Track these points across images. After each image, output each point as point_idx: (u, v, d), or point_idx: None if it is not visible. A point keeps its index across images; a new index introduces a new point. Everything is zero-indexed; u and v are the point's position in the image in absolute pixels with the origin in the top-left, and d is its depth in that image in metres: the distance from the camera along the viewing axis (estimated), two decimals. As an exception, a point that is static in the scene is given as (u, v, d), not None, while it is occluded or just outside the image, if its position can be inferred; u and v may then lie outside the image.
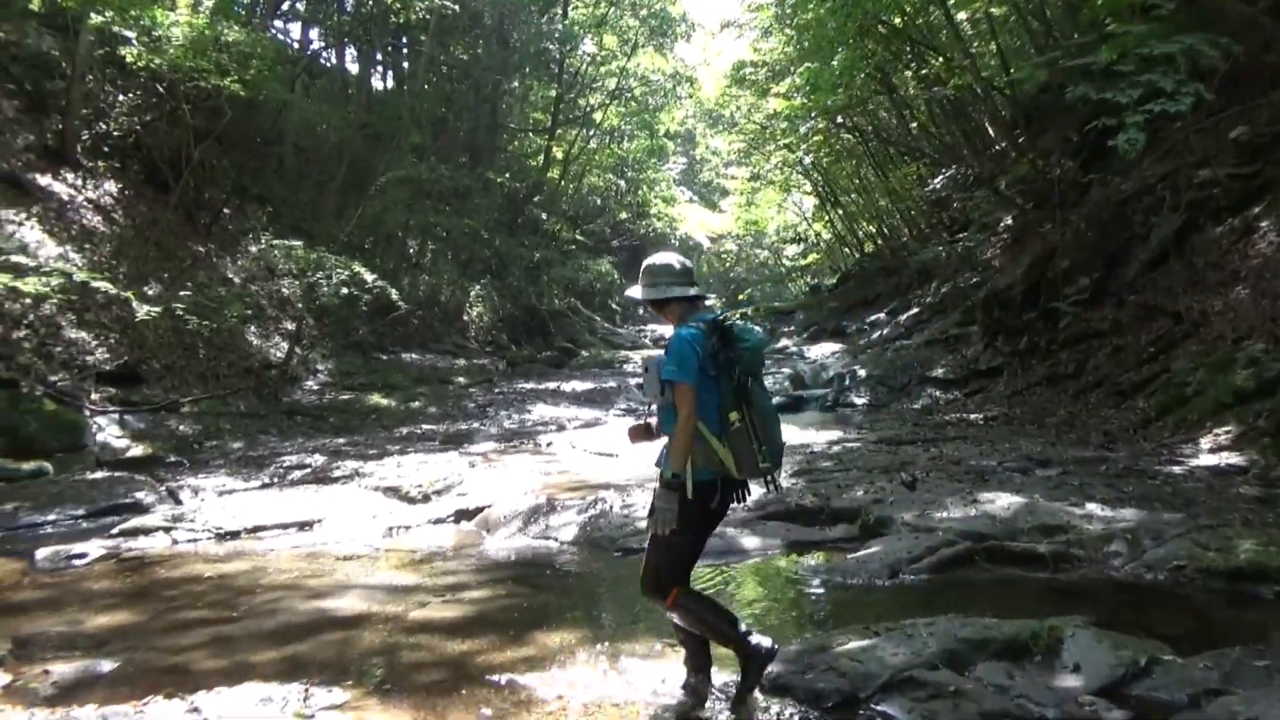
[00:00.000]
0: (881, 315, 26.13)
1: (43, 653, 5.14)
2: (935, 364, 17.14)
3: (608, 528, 7.57)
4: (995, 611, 5.06)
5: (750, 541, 7.07)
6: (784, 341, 27.52)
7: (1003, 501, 7.39)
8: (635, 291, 4.18)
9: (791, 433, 12.39)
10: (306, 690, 4.28)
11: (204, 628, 5.50)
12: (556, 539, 7.62)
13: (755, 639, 4.00)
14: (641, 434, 4.23)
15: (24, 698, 4.42)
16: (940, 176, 24.37)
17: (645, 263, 4.20)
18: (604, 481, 9.46)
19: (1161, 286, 13.03)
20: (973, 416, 13.47)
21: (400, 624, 5.47)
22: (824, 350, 23.39)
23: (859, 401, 16.75)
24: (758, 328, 4.12)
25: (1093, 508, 7.11)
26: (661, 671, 4.50)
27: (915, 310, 23.93)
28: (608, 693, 4.30)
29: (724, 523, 7.42)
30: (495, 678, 4.50)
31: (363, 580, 6.59)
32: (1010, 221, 20.27)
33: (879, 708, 3.95)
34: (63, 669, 4.79)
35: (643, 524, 7.47)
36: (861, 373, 18.21)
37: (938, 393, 16.08)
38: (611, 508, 8.02)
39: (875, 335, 24.23)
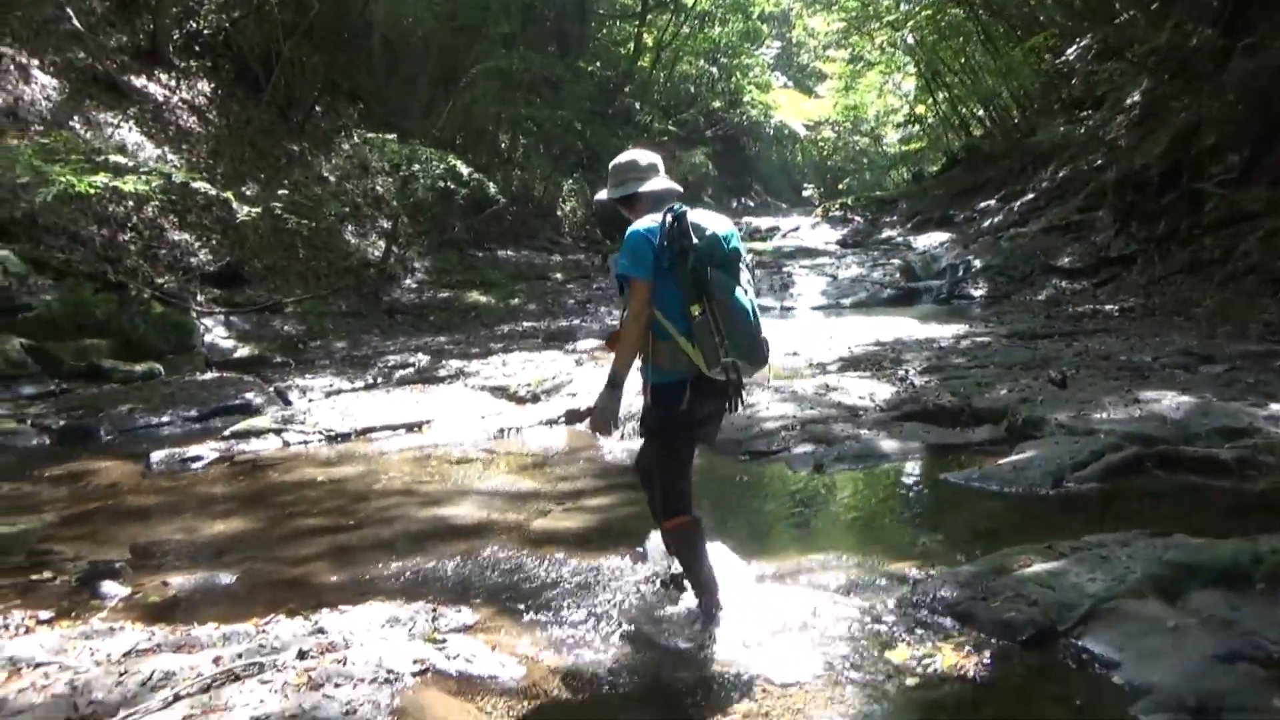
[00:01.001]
0: (992, 202, 24.66)
1: (161, 562, 4.98)
2: (1060, 253, 16.03)
3: (730, 429, 7.07)
4: (1183, 527, 4.46)
5: (888, 444, 6.53)
6: (887, 232, 26.31)
7: (1169, 401, 6.68)
8: (602, 194, 3.92)
9: (907, 327, 11.73)
10: (434, 610, 3.96)
11: (321, 536, 5.27)
12: (676, 442, 7.20)
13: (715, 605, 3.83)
14: (616, 340, 3.71)
15: (144, 612, 4.23)
16: (1073, 47, 22.46)
17: (611, 163, 3.93)
18: (719, 380, 8.98)
19: (1329, 161, 11.73)
20: (1107, 308, 12.51)
21: (523, 534, 5.14)
22: (932, 240, 22.22)
23: (976, 293, 15.82)
24: (723, 225, 3.64)
25: (1276, 408, 6.36)
26: (798, 593, 4.06)
27: (1030, 196, 22.46)
28: (749, 612, 3.88)
29: (858, 424, 6.95)
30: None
31: (478, 486, 6.30)
32: (1138, 97, 18.65)
33: (1082, 643, 3.43)
34: (181, 581, 4.60)
35: (769, 424, 7.02)
36: (977, 263, 17.19)
37: (1063, 283, 15.04)
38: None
39: (986, 224, 22.89)
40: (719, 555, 4.20)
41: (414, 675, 3.37)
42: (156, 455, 7.25)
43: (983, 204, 24.98)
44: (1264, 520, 4.66)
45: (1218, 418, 6.24)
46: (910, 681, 3.25)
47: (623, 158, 3.88)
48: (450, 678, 3.41)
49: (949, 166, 30.45)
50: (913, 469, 6.20)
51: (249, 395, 9.49)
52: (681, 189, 3.82)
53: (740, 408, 3.78)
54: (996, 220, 22.49)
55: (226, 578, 4.66)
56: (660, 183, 3.76)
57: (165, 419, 8.77)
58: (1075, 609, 3.57)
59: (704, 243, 3.49)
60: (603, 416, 3.64)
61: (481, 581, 4.41)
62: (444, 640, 3.63)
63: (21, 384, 9.82)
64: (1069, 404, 6.88)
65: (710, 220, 3.60)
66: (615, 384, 3.60)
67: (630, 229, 3.61)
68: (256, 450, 7.50)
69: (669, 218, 3.49)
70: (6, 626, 4.03)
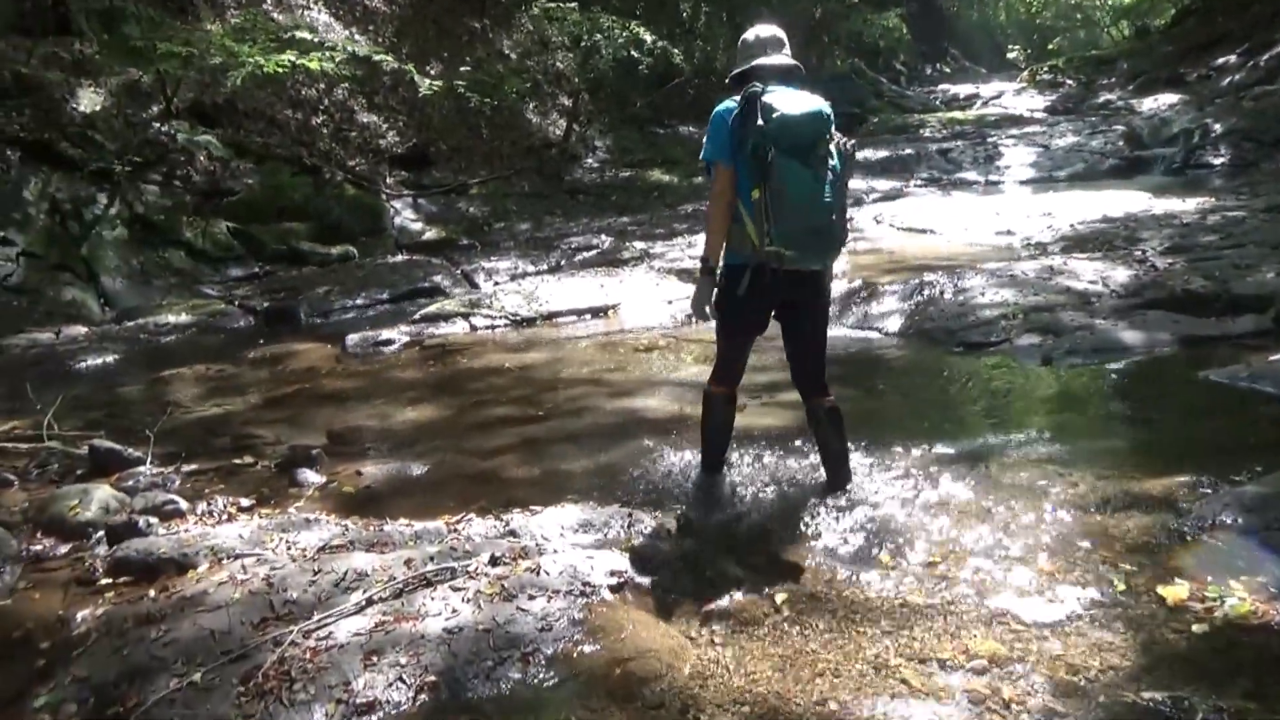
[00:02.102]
0: (1232, 58, 21.80)
1: (355, 449, 4.94)
2: (1322, 111, 13.92)
3: (941, 317, 6.47)
4: None
5: (1129, 336, 5.73)
6: (1105, 96, 23.83)
7: None
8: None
9: (1138, 200, 10.47)
10: (630, 515, 3.68)
11: (510, 427, 5.10)
12: (880, 329, 6.64)
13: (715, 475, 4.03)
14: None
15: (338, 503, 4.17)
16: None
17: None
18: (924, 261, 8.25)
19: None
20: (1384, 175, 10.75)
21: (718, 430, 4.77)
22: (1160, 103, 19.86)
23: (1217, 161, 13.98)
24: (802, 106, 3.34)
25: None
26: (1038, 510, 3.52)
27: (1280, 49, 19.72)
28: (985, 529, 3.39)
29: (1091, 312, 6.15)
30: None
31: (667, 375, 5.98)
32: None
33: None
34: (374, 470, 4.53)
35: (986, 313, 6.35)
36: (1217, 127, 15.16)
37: (1326, 147, 13.08)
38: (942, 293, 6.87)
39: (1225, 82, 20.27)
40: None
41: (610, 589, 3.10)
42: (351, 338, 7.32)
43: (1221, 60, 22.18)
44: None
45: None
46: (1197, 629, 2.70)
47: (745, 34, 3.76)
48: (648, 592, 3.13)
49: (1180, 18, 27.19)
50: (1162, 365, 5.40)
51: (437, 278, 9.51)
52: (794, 65, 3.60)
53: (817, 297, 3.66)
54: (1238, 78, 19.90)
55: (418, 468, 4.55)
56: (771, 59, 3.59)
57: (359, 301, 8.90)
58: None
59: (771, 125, 3.31)
60: (695, 301, 3.70)
61: (676, 484, 4.09)
62: (641, 554, 3.34)
63: (229, 266, 10.23)
64: (1355, 290, 5.83)
65: (788, 101, 3.35)
66: (705, 268, 3.61)
67: (715, 110, 3.54)
68: (445, 334, 7.45)
69: (745, 99, 3.39)
70: (210, 513, 4.06)
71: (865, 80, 27.38)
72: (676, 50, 14.43)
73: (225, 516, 4.00)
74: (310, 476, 4.46)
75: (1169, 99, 20.16)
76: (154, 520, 3.86)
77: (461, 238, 11.73)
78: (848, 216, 3.62)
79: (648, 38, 13.75)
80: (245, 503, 4.15)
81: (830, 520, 3.58)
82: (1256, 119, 14.92)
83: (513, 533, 3.57)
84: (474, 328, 7.63)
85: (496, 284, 9.34)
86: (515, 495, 4.06)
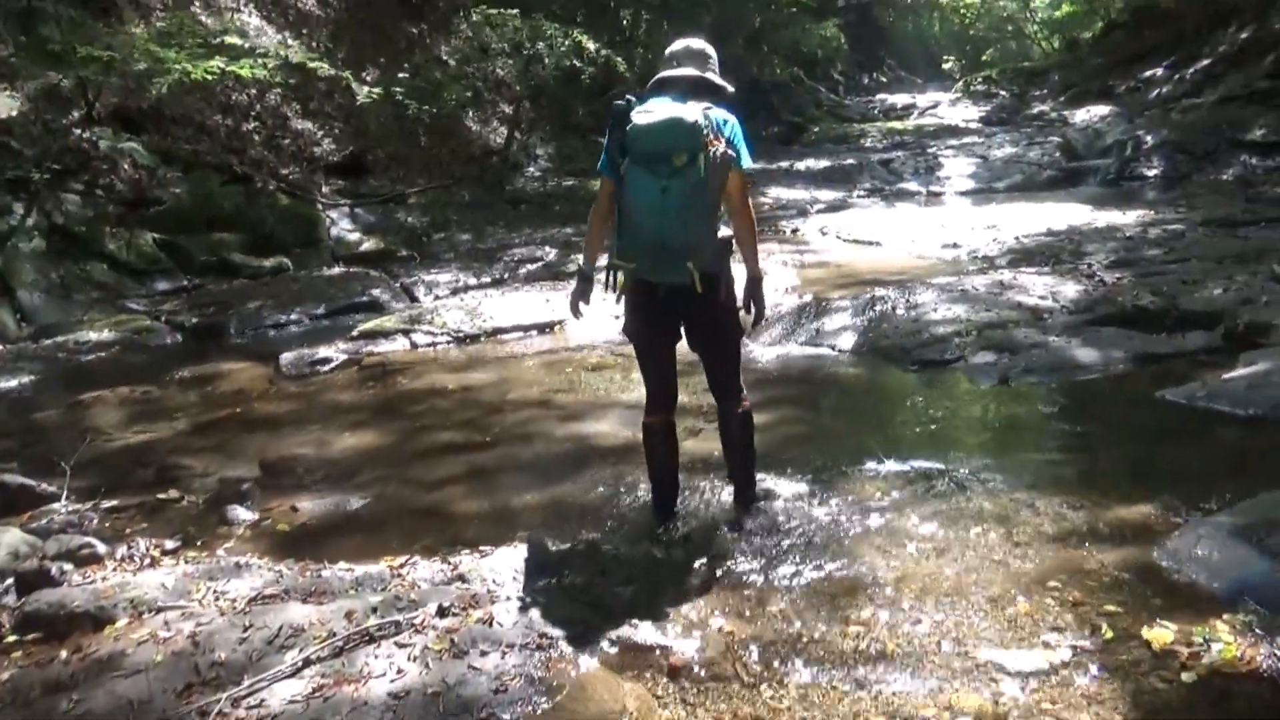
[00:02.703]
0: (1159, 70, 22.32)
1: (290, 480, 4.66)
2: (1249, 125, 14.25)
3: (895, 334, 6.37)
4: None
5: (1084, 353, 5.68)
6: (1038, 107, 24.26)
7: None
8: None
9: (1078, 213, 10.58)
10: (587, 557, 3.47)
11: (456, 455, 4.86)
12: (833, 346, 6.52)
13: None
14: None
15: (272, 543, 3.90)
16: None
17: None
18: (873, 276, 8.18)
19: None
20: (1313, 188, 11.01)
21: (674, 457, 4.59)
22: (1092, 114, 20.27)
23: (1150, 173, 14.24)
24: (661, 116, 3.26)
25: None
26: (1006, 545, 3.41)
27: (1205, 62, 20.19)
28: (956, 569, 3.26)
29: (1044, 329, 6.11)
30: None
31: (618, 396, 5.78)
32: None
33: (1403, 630, 2.70)
34: (310, 506, 4.25)
35: (940, 329, 6.27)
36: (1149, 139, 15.47)
37: (1254, 159, 13.39)
38: (895, 309, 6.78)
39: (1153, 94, 20.74)
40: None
41: (568, 641, 2.89)
42: (286, 357, 7.01)
43: (1148, 72, 22.69)
44: None
45: None
46: (1186, 677, 2.59)
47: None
48: (610, 644, 2.93)
49: (1108, 31, 27.75)
50: (1119, 384, 5.36)
51: (375, 291, 9.21)
52: (693, 76, 3.46)
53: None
54: (1165, 90, 20.39)
55: (358, 502, 4.29)
56: (674, 71, 3.49)
57: (294, 316, 8.56)
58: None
59: (627, 136, 3.31)
60: (569, 300, 3.75)
61: (633, 519, 3.90)
62: (600, 595, 3.14)
63: (156, 279, 9.78)
64: (1301, 305, 5.87)
65: (651, 112, 3.29)
66: (580, 273, 3.69)
67: None
68: (385, 352, 7.17)
69: (607, 111, 3.41)
70: (131, 557, 3.76)
71: (805, 89, 27.55)
72: (619, 59, 14.24)
73: (147, 561, 3.70)
74: (241, 513, 4.18)
75: (1100, 110, 20.58)
76: (68, 567, 3.56)
77: (401, 249, 11.40)
78: (715, 230, 3.43)
79: (590, 45, 13.55)
80: (170, 545, 3.86)
81: (797, 559, 3.41)
82: (1186, 132, 15.24)
83: (461, 577, 3.34)
84: (415, 345, 7.36)
85: (438, 298, 9.07)
86: (463, 533, 3.84)
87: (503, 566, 3.41)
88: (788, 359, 6.46)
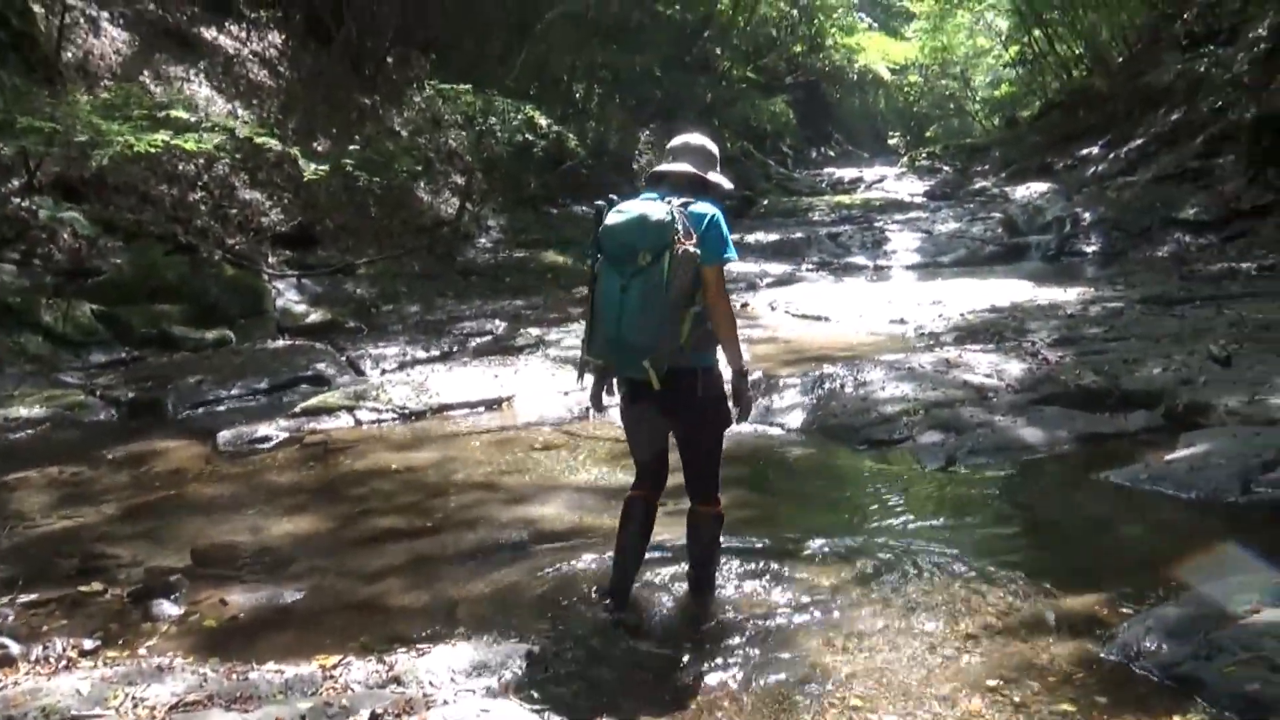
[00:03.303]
0: (1095, 149, 23.10)
1: (222, 571, 4.46)
2: (1181, 203, 14.73)
3: (844, 413, 6.38)
4: None
5: (1029, 433, 5.73)
6: (980, 182, 24.93)
7: (1361, 384, 5.75)
8: None
9: (1021, 289, 10.80)
10: (530, 655, 3.35)
11: (397, 542, 4.72)
12: (782, 425, 6.50)
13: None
14: None
15: (198, 641, 3.72)
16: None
17: None
18: (821, 352, 8.23)
19: None
20: (1243, 266, 11.36)
21: (622, 543, 4.49)
22: (1031, 191, 20.79)
23: (1089, 249, 14.65)
24: (631, 214, 3.36)
25: None
26: (952, 635, 3.36)
27: (1139, 141, 20.90)
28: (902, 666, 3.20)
29: (990, 408, 6.15)
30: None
31: (567, 479, 5.69)
32: (1265, 31, 17.05)
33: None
34: (241, 599, 4.08)
35: (888, 408, 6.28)
36: (1087, 215, 15.94)
37: (1187, 237, 13.82)
38: (843, 387, 6.81)
39: (1089, 172, 21.42)
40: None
41: (508, 751, 2.77)
42: (224, 435, 6.81)
43: (1084, 151, 23.46)
44: None
45: None
46: (1142, 786, 2.54)
47: None
48: (552, 752, 2.81)
49: (1046, 111, 28.73)
50: (1064, 465, 5.40)
51: (320, 365, 9.03)
52: (677, 171, 3.56)
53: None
54: (1101, 168, 21.06)
55: (291, 595, 4.13)
56: (662, 166, 3.64)
57: (235, 391, 8.33)
58: (1339, 683, 2.81)
59: (600, 234, 3.42)
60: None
61: (581, 609, 3.78)
62: (543, 701, 3.02)
63: (92, 351, 9.51)
64: (1238, 386, 5.99)
65: (627, 212, 3.38)
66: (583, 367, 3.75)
67: None
68: (328, 429, 7.00)
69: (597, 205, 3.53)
70: (47, 658, 3.55)
71: (755, 162, 28.09)
72: (571, 135, 14.40)
73: (64, 663, 3.49)
74: (167, 608, 3.98)
75: (1040, 187, 21.15)
76: (-22, 671, 3.35)
77: (348, 320, 11.26)
78: (679, 328, 3.34)
79: (543, 121, 13.69)
80: (89, 644, 3.65)
81: (748, 658, 3.33)
82: (1122, 209, 15.73)
83: (397, 679, 3.20)
84: (359, 422, 7.21)
85: (384, 372, 8.93)
86: (401, 629, 3.70)
87: (441, 667, 3.27)
88: (738, 438, 6.35)
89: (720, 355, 3.59)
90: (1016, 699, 2.96)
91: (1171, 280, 10.88)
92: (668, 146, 3.71)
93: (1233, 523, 4.38)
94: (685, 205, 3.40)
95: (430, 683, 3.17)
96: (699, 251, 3.33)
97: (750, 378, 3.83)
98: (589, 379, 3.73)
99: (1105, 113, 24.39)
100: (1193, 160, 16.78)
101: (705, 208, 3.44)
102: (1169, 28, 22.67)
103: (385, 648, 3.48)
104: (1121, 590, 3.66)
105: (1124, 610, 3.50)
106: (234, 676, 3.27)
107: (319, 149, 13.63)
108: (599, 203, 3.51)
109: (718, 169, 3.66)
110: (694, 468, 3.68)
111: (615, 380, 3.64)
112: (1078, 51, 28.30)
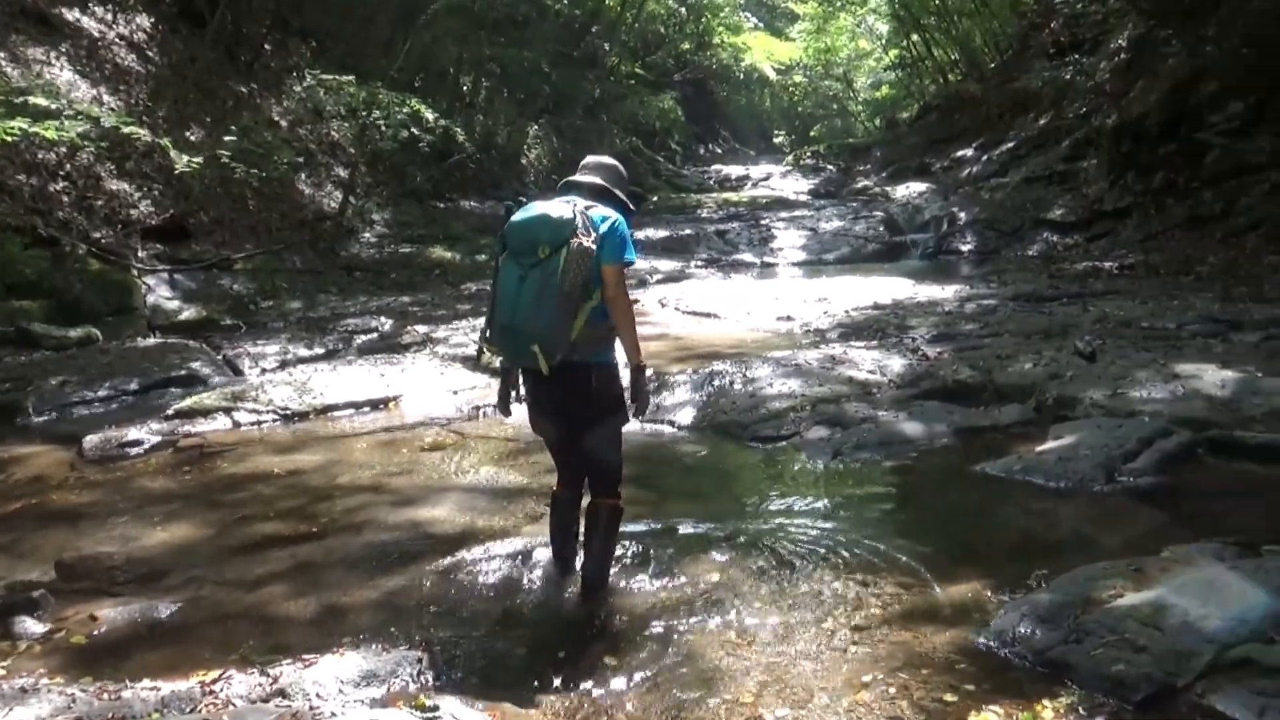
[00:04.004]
0: (969, 151, 24.04)
1: (90, 584, 4.24)
2: (1050, 205, 15.46)
3: (733, 410, 6.47)
4: (1269, 532, 3.95)
5: (910, 428, 5.91)
6: (863, 181, 25.65)
7: (1211, 377, 6.13)
8: None
9: (902, 287, 11.14)
10: (419, 660, 3.28)
11: (280, 549, 4.56)
12: (672, 422, 6.55)
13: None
14: None
15: (66, 659, 3.51)
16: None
17: None
18: (711, 349, 8.33)
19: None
20: (1105, 265, 12.01)
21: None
22: (910, 190, 21.56)
23: (964, 248, 15.25)
24: (536, 213, 3.55)
25: (1332, 385, 5.84)
26: (836, 628, 3.45)
27: (1009, 145, 21.86)
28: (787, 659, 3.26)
29: (873, 403, 6.33)
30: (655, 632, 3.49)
31: (457, 480, 5.60)
32: (1125, 41, 18.04)
33: (1208, 701, 2.85)
34: (112, 613, 3.87)
35: (776, 404, 6.40)
36: (963, 215, 16.59)
37: (1055, 237, 14.52)
38: (732, 384, 6.90)
39: (965, 173, 22.27)
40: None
41: (400, 762, 2.71)
42: (90, 440, 6.46)
43: (960, 152, 24.37)
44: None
45: (1270, 396, 5.70)
46: (1018, 769, 2.64)
47: None
48: (445, 761, 2.76)
49: (924, 113, 29.74)
50: (943, 458, 5.58)
51: (195, 364, 8.67)
52: (584, 182, 3.76)
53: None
54: (975, 170, 21.90)
55: (167, 608, 3.94)
56: (580, 176, 3.82)
57: (102, 393, 7.91)
58: (1196, 659, 2.98)
59: (506, 231, 3.60)
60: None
61: (473, 614, 3.73)
62: (436, 709, 2.96)
63: (-57, 352, 8.90)
64: (1102, 380, 6.31)
65: (531, 210, 3.58)
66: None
67: None
68: (204, 432, 6.73)
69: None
70: (-106, 684, 3.30)
71: (644, 159, 28.23)
72: (458, 128, 14.17)
73: (-88, 689, 3.26)
74: (31, 625, 3.76)
75: (918, 187, 21.91)
76: None
77: (225, 318, 10.85)
78: (572, 320, 3.43)
79: (429, 115, 13.43)
80: (-57, 668, 3.42)
81: (644, 656, 3.34)
82: (995, 209, 16.42)
83: (282, 692, 3.09)
84: (238, 424, 6.94)
85: (264, 371, 8.62)
86: (285, 639, 3.57)
87: (328, 677, 3.18)
88: (628, 436, 6.30)
89: (620, 353, 3.67)
90: (901, 689, 3.05)
91: (1041, 278, 11.41)
92: (582, 162, 3.92)
93: (1098, 510, 4.62)
94: (588, 208, 3.54)
95: (317, 694, 3.07)
96: (594, 248, 3.42)
97: (647, 373, 3.84)
98: (494, 384, 3.85)
99: (979, 116, 25.37)
100: (1059, 164, 17.61)
101: (608, 212, 3.60)
102: (1037, 36, 23.71)
103: (269, 659, 3.35)
104: (998, 578, 3.81)
105: (1001, 598, 3.64)
106: (105, 696, 3.10)
107: (192, 139, 13.07)
108: (508, 203, 3.71)
109: (625, 191, 3.85)
110: (595, 456, 3.80)
111: (520, 382, 3.76)
112: (953, 56, 29.37)
